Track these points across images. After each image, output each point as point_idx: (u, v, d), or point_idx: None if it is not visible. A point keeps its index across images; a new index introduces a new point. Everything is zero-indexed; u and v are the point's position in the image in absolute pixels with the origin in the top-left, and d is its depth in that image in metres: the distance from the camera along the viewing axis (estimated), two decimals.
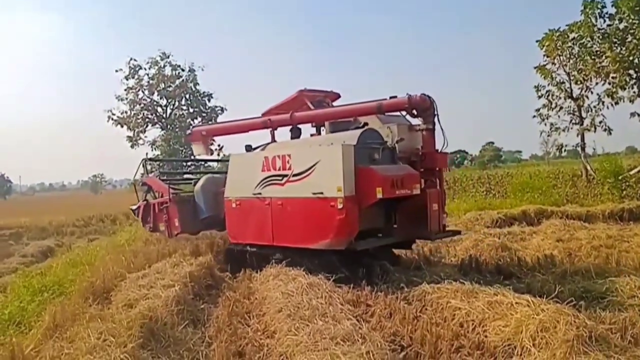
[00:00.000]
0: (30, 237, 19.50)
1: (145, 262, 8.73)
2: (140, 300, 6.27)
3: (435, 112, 7.88)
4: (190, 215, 9.67)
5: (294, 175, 7.43)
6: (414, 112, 7.92)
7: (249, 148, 8.94)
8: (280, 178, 7.62)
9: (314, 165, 7.20)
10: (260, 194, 7.89)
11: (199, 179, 10.40)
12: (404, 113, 8.27)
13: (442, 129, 7.94)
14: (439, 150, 8.04)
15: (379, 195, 7.00)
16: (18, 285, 8.59)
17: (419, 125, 7.99)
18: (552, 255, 8.77)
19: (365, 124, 8.05)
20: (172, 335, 5.37)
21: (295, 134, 9.06)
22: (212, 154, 18.77)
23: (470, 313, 5.33)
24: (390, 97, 7.96)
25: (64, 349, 4.72)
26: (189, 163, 25.07)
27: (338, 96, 9.64)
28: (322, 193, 7.09)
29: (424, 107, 7.84)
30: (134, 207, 10.87)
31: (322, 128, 9.15)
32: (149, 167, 12.21)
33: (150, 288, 6.80)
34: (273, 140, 9.12)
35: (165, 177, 11.48)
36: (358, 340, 4.46)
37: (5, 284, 10.15)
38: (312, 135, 9.20)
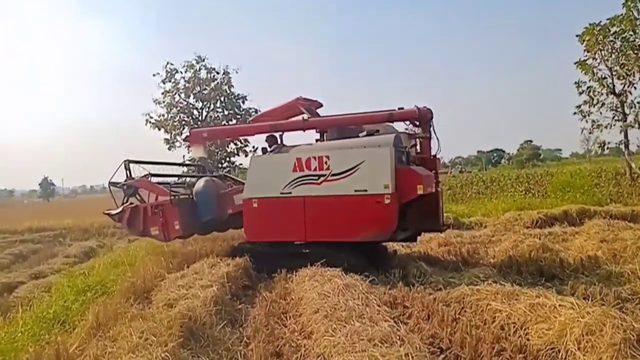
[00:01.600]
0: (73, 238, 20.08)
1: (183, 263, 8.87)
2: (179, 300, 6.37)
3: (432, 123, 8.83)
4: (190, 218, 9.49)
5: (333, 175, 8.00)
6: (417, 122, 8.82)
7: (265, 150, 9.35)
8: (316, 178, 8.09)
9: (357, 165, 7.87)
10: (290, 193, 8.25)
11: (190, 181, 10.31)
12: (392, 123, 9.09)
13: (437, 137, 8.88)
14: (435, 156, 8.92)
15: (420, 192, 7.82)
16: (62, 285, 8.82)
17: (418, 133, 8.91)
18: (596, 256, 8.50)
19: (377, 130, 8.80)
20: (211, 334, 5.45)
21: (272, 141, 9.51)
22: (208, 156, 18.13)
23: (511, 316, 5.21)
24: (399, 109, 8.86)
25: (107, 348, 4.83)
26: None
27: (321, 105, 10.10)
28: (365, 190, 7.80)
29: (428, 118, 8.76)
30: (113, 212, 9.99)
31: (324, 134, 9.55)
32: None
33: (189, 288, 6.90)
34: (282, 143, 9.43)
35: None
36: (396, 342, 4.41)
37: (50, 283, 10.47)
38: (317, 140, 9.47)
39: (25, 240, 19.83)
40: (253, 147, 30.71)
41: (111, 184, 10.08)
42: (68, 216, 27.59)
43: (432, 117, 8.75)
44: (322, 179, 8.08)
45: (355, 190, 7.88)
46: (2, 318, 7.33)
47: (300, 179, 8.21)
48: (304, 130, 9.50)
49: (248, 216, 8.75)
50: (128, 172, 9.83)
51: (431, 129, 8.78)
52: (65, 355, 4.94)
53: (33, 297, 8.93)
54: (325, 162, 8.07)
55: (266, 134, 9.74)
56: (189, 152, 30.40)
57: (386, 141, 8.19)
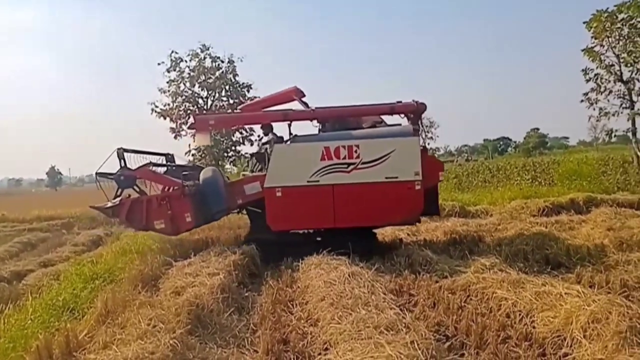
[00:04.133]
0: (81, 227, 20.05)
1: (190, 251, 8.92)
2: (187, 287, 6.41)
3: (422, 116, 9.25)
4: (199, 209, 8.99)
5: (363, 163, 8.46)
6: (410, 115, 9.12)
7: (281, 139, 9.18)
8: (345, 166, 8.49)
9: (388, 154, 8.42)
10: (317, 181, 8.49)
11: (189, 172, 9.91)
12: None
13: (423, 129, 9.36)
14: (424, 147, 9.12)
15: (441, 179, 9.06)
16: (71, 273, 8.86)
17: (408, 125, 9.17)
18: (603, 244, 8.50)
19: (381, 122, 9.40)
20: (218, 322, 5.50)
21: (267, 130, 9.65)
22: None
23: (517, 303, 5.24)
24: (397, 102, 9.12)
25: (116, 334, 4.87)
26: None
27: (304, 94, 10.03)
28: (396, 177, 8.39)
29: (421, 112, 9.09)
30: (107, 206, 9.06)
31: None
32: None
33: (196, 276, 6.94)
34: (290, 132, 9.31)
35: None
36: (402, 330, 4.44)
37: (58, 271, 10.52)
38: (320, 130, 9.40)
39: (34, 229, 19.88)
40: (258, 136, 30.66)
41: (100, 174, 9.01)
42: (76, 205, 27.58)
43: (424, 111, 9.12)
44: (351, 167, 8.48)
45: (386, 178, 8.41)
46: (12, 305, 7.38)
47: (329, 168, 8.50)
48: (311, 120, 9.46)
49: (272, 205, 8.71)
50: (123, 161, 8.95)
51: (420, 122, 9.13)
52: (75, 341, 4.98)
53: (42, 285, 8.96)
54: (355, 151, 8.46)
55: (271, 123, 9.64)
56: (193, 140, 30.54)
57: (405, 131, 8.83)
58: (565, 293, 5.02)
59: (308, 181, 8.51)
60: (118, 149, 8.94)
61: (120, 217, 9.13)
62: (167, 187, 9.10)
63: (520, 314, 5.10)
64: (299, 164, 8.61)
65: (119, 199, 8.98)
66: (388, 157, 8.44)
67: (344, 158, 8.49)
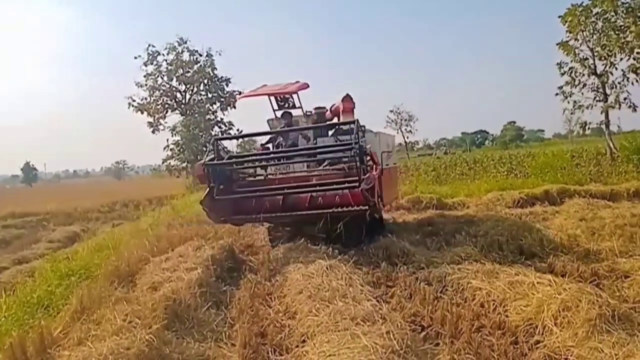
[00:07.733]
0: (57, 223, 19.83)
1: (168, 246, 8.84)
2: (164, 283, 6.38)
3: None
4: None
5: (389, 151, 10.13)
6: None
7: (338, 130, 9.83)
8: (388, 153, 9.92)
9: (393, 146, 11.03)
10: (387, 165, 9.69)
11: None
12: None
13: None
14: None
15: None
16: (46, 269, 8.74)
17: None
18: (575, 234, 8.64)
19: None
20: (196, 316, 5.48)
21: (287, 119, 10.06)
22: None
23: (491, 293, 5.34)
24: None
25: (91, 331, 4.83)
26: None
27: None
28: (395, 164, 10.82)
29: None
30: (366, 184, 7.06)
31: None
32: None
33: (173, 271, 6.91)
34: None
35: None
36: (378, 321, 4.50)
37: (33, 268, 10.39)
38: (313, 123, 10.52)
39: (8, 226, 19.59)
40: (237, 129, 30.57)
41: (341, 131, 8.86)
42: (51, 201, 27.21)
43: None
44: (389, 154, 10.06)
45: (394, 163, 10.80)
46: None
47: (386, 153, 9.61)
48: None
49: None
50: (357, 134, 7.28)
51: None
52: (49, 338, 4.92)
53: (16, 282, 8.85)
54: (388, 142, 10.47)
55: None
56: (172, 136, 30.10)
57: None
58: (537, 282, 5.12)
59: (386, 164, 9.41)
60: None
61: (374, 197, 7.24)
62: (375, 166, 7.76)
63: (494, 303, 5.19)
64: (384, 149, 9.65)
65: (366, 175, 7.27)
66: (393, 149, 10.57)
67: (387, 146, 10.11)
